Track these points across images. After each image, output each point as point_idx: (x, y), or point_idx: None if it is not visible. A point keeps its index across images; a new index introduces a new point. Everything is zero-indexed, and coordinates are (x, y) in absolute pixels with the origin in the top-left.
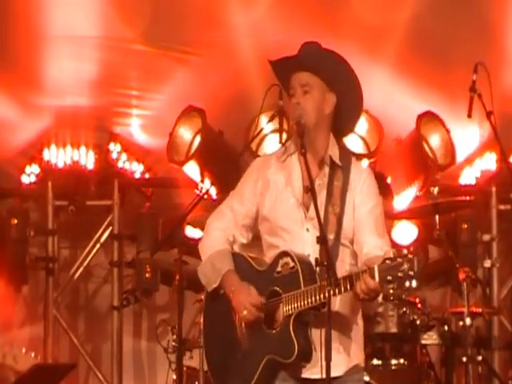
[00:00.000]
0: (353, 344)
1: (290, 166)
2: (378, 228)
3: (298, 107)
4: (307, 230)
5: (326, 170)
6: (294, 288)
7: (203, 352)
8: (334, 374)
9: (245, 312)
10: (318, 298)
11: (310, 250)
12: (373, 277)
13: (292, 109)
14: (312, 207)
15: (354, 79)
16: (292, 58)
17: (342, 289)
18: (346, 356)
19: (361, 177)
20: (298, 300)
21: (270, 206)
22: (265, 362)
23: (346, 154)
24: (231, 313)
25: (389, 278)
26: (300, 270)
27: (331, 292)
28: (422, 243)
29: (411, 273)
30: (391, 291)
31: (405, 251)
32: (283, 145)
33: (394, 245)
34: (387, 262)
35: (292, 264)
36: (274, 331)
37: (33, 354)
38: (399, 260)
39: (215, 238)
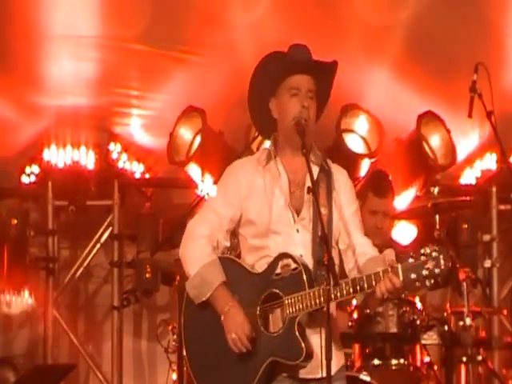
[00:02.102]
0: (338, 344)
1: (274, 168)
2: (362, 229)
3: (305, 110)
4: (297, 230)
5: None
6: (297, 290)
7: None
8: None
9: (233, 336)
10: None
11: (301, 250)
12: (397, 276)
13: (297, 108)
14: (304, 208)
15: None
16: (318, 62)
17: (359, 289)
18: (336, 357)
19: (343, 177)
20: (303, 301)
21: (258, 210)
22: (266, 364)
23: (324, 157)
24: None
25: (413, 276)
26: (304, 272)
27: (331, 292)
28: (422, 243)
29: (437, 271)
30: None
31: (427, 250)
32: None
33: (394, 244)
34: (410, 260)
35: (294, 265)
36: (275, 334)
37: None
38: (423, 258)
39: (202, 246)
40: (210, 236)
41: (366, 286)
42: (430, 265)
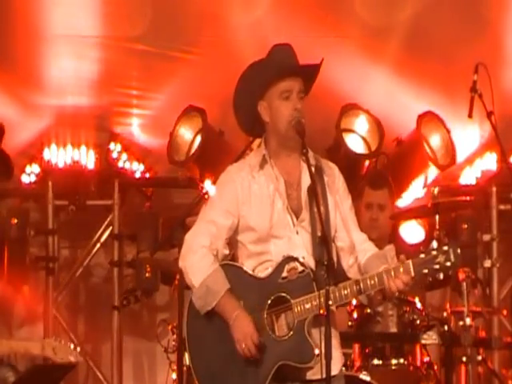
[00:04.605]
0: (339, 344)
1: (269, 172)
2: (356, 223)
3: (298, 112)
4: (297, 232)
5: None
6: (305, 292)
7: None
8: (333, 372)
9: (243, 346)
10: (336, 299)
11: (303, 252)
12: (408, 273)
13: (290, 111)
14: (304, 210)
15: None
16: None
17: (370, 287)
18: (340, 354)
19: (334, 173)
20: (312, 303)
21: (257, 216)
22: (276, 368)
23: (314, 153)
24: (228, 326)
25: (425, 271)
26: (312, 274)
27: (330, 292)
28: (427, 243)
29: (448, 264)
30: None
31: (434, 245)
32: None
33: (400, 242)
34: (422, 255)
35: (301, 268)
36: (285, 337)
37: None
38: (434, 253)
39: (204, 256)
40: (211, 245)
41: (377, 284)
42: (440, 259)
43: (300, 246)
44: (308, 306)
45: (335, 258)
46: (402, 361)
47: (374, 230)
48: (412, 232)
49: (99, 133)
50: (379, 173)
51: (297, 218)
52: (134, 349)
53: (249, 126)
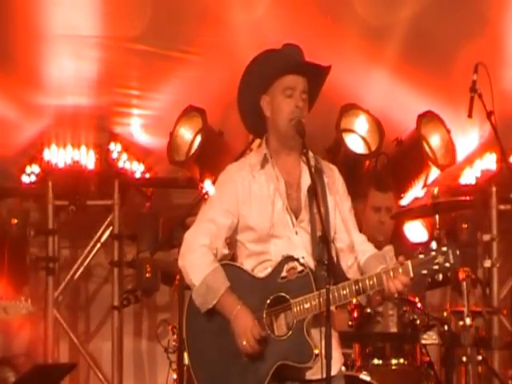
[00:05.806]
0: (339, 344)
1: (270, 172)
2: (356, 224)
3: (299, 111)
4: (296, 233)
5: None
6: (304, 292)
7: (190, 365)
8: (332, 372)
9: (244, 343)
10: (335, 300)
11: (303, 252)
12: (407, 273)
13: (291, 108)
14: (303, 210)
15: None
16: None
17: (368, 288)
18: (339, 354)
19: (334, 174)
20: (311, 303)
21: (257, 216)
22: (275, 368)
23: (315, 155)
24: (228, 326)
25: (424, 272)
26: (311, 274)
27: (329, 291)
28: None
29: (447, 265)
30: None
31: (434, 245)
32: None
33: (404, 240)
34: (420, 256)
35: (300, 268)
36: (284, 337)
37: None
38: (433, 254)
39: (203, 254)
40: (210, 244)
41: (376, 285)
42: (439, 259)
43: (299, 246)
44: (307, 305)
45: (335, 258)
46: (402, 361)
47: (382, 233)
48: (415, 232)
49: (99, 133)
50: (384, 175)
51: (296, 218)
52: (135, 349)
53: (252, 123)
